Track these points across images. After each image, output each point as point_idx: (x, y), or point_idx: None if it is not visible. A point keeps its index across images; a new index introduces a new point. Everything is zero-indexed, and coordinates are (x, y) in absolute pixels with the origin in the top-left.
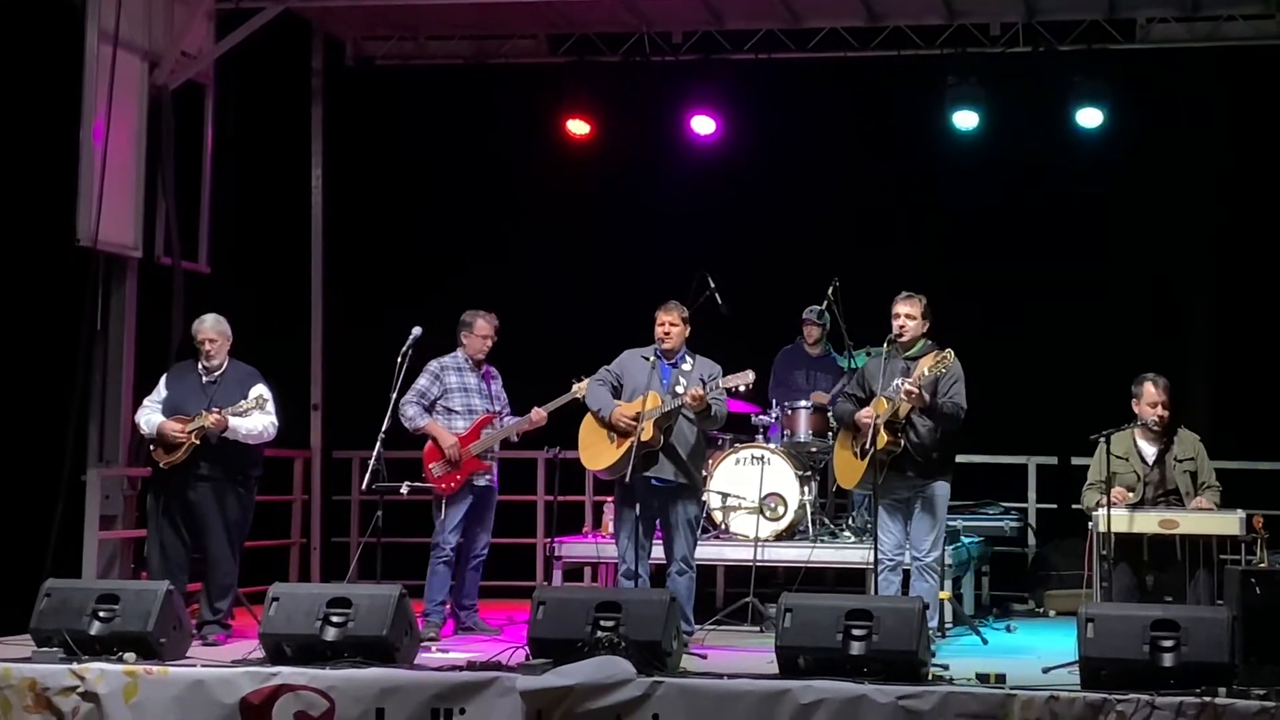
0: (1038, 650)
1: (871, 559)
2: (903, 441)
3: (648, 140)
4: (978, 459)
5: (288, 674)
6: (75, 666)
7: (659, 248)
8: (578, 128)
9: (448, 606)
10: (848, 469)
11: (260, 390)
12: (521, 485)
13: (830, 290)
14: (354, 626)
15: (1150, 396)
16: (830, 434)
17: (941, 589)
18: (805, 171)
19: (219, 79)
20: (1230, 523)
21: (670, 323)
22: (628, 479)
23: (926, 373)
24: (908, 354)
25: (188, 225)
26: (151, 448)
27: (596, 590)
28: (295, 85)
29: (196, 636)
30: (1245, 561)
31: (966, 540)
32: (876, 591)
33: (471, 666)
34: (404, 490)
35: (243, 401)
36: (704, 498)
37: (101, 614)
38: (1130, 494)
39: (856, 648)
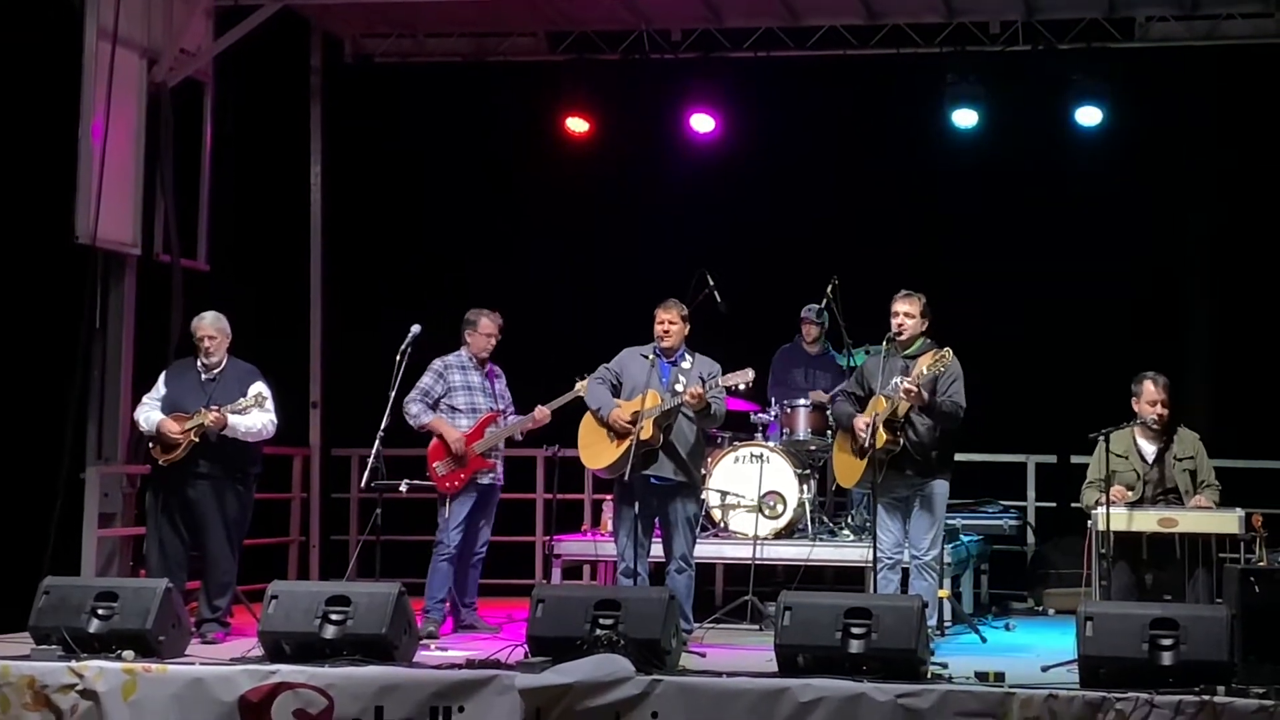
0: (1037, 649)
1: (870, 557)
2: (902, 440)
3: (647, 138)
4: (977, 457)
5: (286, 672)
6: (74, 664)
7: (658, 246)
8: (577, 126)
9: (448, 604)
10: (847, 467)
11: (259, 388)
12: (521, 483)
13: (829, 288)
14: (353, 625)
15: (1150, 395)
16: (829, 432)
17: (940, 587)
18: (804, 169)
19: (218, 76)
20: (1229, 521)
21: (669, 321)
22: (627, 478)
23: (925, 371)
24: (906, 352)
25: (187, 223)
26: (150, 445)
27: (595, 588)
28: (294, 83)
29: (195, 634)
30: (1244, 560)
31: (965, 539)
32: (875, 590)
33: (470, 664)
34: (403, 488)
35: (242, 399)
36: (703, 496)
37: (100, 612)
38: (1129, 492)
39: (855, 646)
